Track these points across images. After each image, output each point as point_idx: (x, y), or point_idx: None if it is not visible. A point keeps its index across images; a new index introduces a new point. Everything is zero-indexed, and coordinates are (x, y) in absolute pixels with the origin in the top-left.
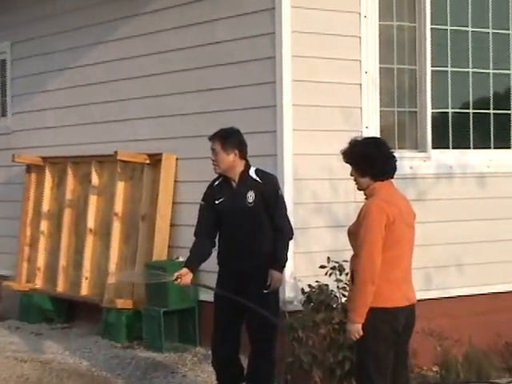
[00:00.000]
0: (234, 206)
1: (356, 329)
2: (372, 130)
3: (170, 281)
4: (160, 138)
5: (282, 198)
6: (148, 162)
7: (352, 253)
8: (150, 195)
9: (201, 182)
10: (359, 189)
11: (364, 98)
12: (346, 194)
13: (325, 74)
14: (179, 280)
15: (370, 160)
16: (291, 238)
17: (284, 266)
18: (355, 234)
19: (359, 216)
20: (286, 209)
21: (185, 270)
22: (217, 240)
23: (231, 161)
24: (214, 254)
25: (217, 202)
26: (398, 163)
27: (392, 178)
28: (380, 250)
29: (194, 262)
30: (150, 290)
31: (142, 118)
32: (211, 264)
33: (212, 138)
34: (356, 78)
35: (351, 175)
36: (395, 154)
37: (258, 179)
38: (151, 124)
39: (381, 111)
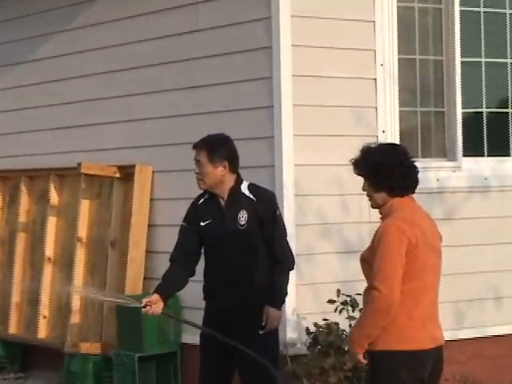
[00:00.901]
0: (223, 229)
1: (356, 358)
2: (390, 134)
3: (138, 307)
4: (132, 147)
5: (281, 219)
6: (118, 175)
7: (366, 284)
8: (121, 216)
9: (182, 200)
10: (373, 206)
11: (380, 96)
12: (358, 213)
13: (332, 68)
14: (148, 308)
15: (386, 171)
16: (292, 268)
17: (283, 302)
18: (369, 261)
19: (374, 240)
20: (285, 232)
21: (155, 296)
22: (200, 270)
23: (219, 175)
24: (200, 287)
25: (202, 223)
26: (421, 175)
27: (413, 192)
28: (400, 281)
29: (166, 289)
30: (122, 332)
31: (111, 123)
32: (197, 299)
33: (196, 146)
34: (370, 72)
35: (364, 190)
36: (418, 164)
37: (251, 196)
38: (122, 129)
39: (400, 112)
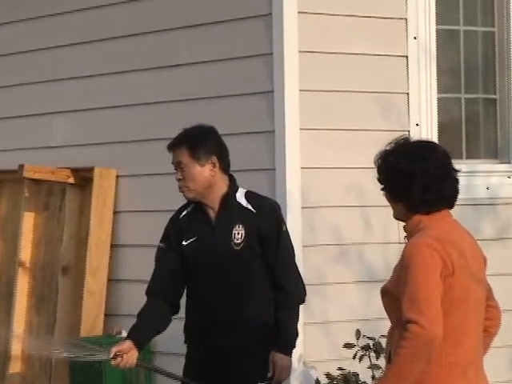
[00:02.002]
0: (213, 249)
1: None
2: (425, 128)
3: (105, 360)
4: (90, 144)
5: (288, 237)
6: (72, 180)
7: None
8: (76, 234)
9: (156, 213)
10: (397, 217)
11: (413, 79)
12: (384, 231)
13: (350, 42)
14: (119, 360)
15: (404, 179)
16: (303, 301)
17: (293, 346)
18: (393, 293)
19: (400, 265)
20: (293, 254)
21: (128, 343)
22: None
23: (208, 175)
24: (179, 326)
25: (185, 242)
26: (467, 181)
27: (450, 208)
28: (440, 311)
29: (142, 332)
30: (76, 379)
31: (62, 112)
32: (174, 342)
33: (173, 145)
34: (400, 48)
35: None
36: (462, 167)
37: (249, 207)
38: (76, 121)
39: (439, 99)
